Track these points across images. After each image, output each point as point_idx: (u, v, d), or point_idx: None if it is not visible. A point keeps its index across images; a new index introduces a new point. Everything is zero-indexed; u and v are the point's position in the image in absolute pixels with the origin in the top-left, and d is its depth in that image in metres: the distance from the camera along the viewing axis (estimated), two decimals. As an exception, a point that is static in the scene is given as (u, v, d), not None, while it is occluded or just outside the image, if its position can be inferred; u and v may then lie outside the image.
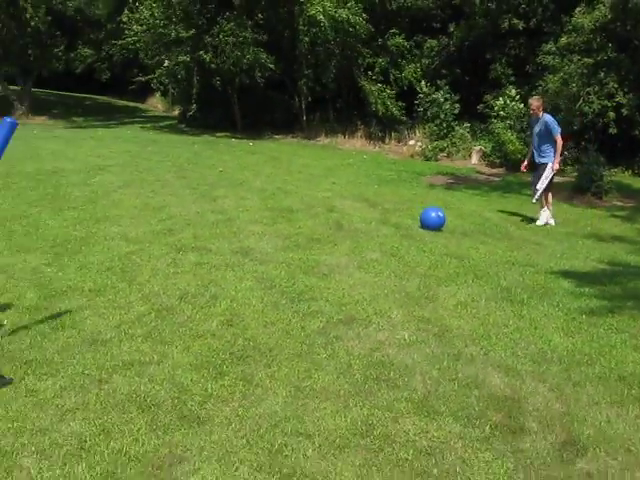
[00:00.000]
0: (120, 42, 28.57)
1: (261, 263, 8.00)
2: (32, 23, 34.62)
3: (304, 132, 25.66)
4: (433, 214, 10.15)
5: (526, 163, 11.86)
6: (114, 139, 22.41)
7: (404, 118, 23.39)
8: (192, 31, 25.03)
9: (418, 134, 22.51)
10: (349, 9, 22.98)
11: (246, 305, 6.65)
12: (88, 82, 49.03)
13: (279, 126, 26.34)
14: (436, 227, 10.04)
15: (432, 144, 21.20)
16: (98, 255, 8.19)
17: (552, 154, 11.33)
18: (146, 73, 28.79)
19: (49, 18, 35.73)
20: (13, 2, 34.83)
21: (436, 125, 21.48)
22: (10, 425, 4.49)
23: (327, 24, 22.74)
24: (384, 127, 23.56)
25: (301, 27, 23.60)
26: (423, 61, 23.85)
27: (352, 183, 14.11)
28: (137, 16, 26.48)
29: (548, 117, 11.43)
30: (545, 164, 11.38)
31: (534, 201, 11.46)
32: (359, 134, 23.67)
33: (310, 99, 25.38)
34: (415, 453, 4.21)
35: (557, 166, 11.49)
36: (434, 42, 23.88)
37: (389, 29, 23.78)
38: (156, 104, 43.51)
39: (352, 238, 9.26)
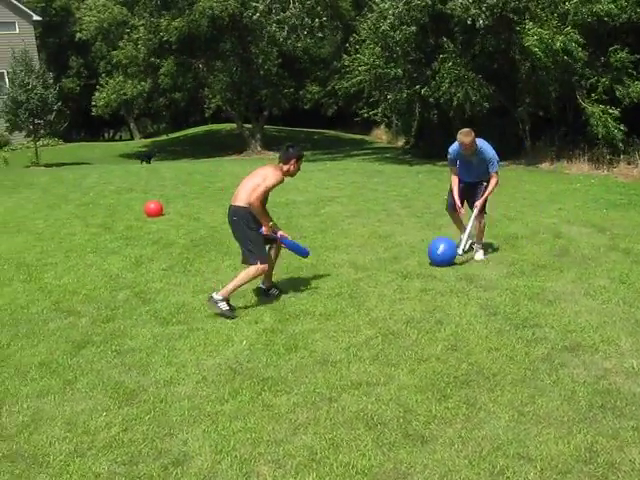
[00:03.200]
0: (346, 84, 29.71)
1: (485, 290, 8.05)
2: (265, 67, 36.88)
3: (528, 158, 25.19)
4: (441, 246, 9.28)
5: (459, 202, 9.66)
6: (341, 171, 23.21)
7: (624, 142, 22.15)
8: (410, 67, 25.63)
9: (651, 155, 21.35)
10: (565, 35, 22.34)
11: (470, 331, 6.74)
12: (316, 117, 51.07)
13: (503, 152, 26.05)
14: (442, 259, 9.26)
15: (666, 165, 20.06)
16: (328, 281, 8.63)
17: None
18: (370, 107, 29.62)
19: (279, 61, 37.92)
20: (244, 49, 37.25)
21: (670, 144, 20.27)
22: (249, 436, 4.89)
23: (542, 55, 22.26)
24: (612, 150, 22.57)
25: (517, 57, 23.36)
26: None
27: (579, 208, 13.72)
28: (359, 56, 27.52)
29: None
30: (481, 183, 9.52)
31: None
32: (586, 158, 22.80)
33: (534, 124, 24.94)
34: (642, 482, 4.12)
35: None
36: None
37: (611, 45, 22.79)
38: (381, 136, 44.47)
39: (579, 264, 9.05)
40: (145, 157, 35.17)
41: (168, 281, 9.11)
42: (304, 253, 8.55)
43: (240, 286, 7.73)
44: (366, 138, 45.63)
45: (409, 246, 10.35)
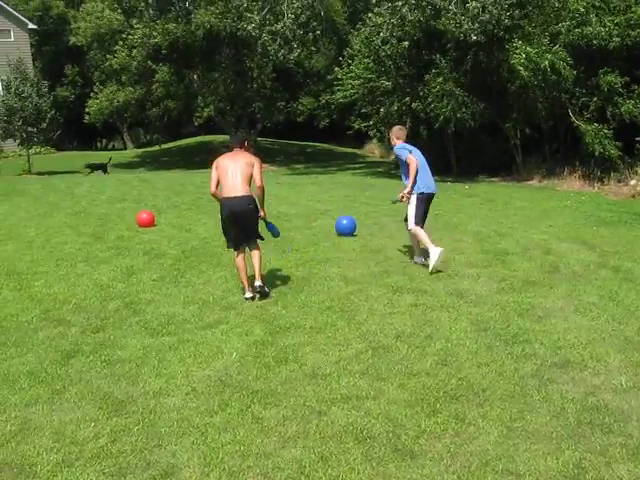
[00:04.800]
0: (338, 97, 29.87)
1: (476, 305, 8.07)
2: (259, 81, 36.89)
3: (520, 174, 25.29)
4: (344, 221, 12.51)
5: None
6: (334, 184, 23.24)
7: (620, 160, 22.30)
8: (402, 81, 25.80)
9: (640, 173, 21.47)
10: (554, 53, 22.43)
11: (460, 346, 6.75)
12: (309, 129, 51.17)
13: (494, 168, 26.15)
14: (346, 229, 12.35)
15: (655, 183, 20.15)
16: (319, 295, 8.63)
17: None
18: (363, 120, 29.74)
19: (274, 75, 37.99)
20: (239, 61, 37.26)
21: (659, 163, 20.38)
22: (237, 448, 4.88)
23: (527, 73, 22.37)
24: (603, 167, 22.67)
25: (505, 74, 23.49)
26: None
27: (569, 225, 13.79)
28: (352, 68, 27.71)
29: (396, 147, 10.11)
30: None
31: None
32: (577, 175, 22.93)
33: (525, 141, 25.06)
34: (630, 499, 4.12)
35: (403, 195, 9.86)
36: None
37: (602, 67, 22.87)
38: (373, 150, 44.49)
39: (569, 281, 9.08)
40: (96, 167, 31.75)
41: (159, 292, 9.09)
42: (277, 233, 9.47)
43: None
44: (358, 152, 45.69)
45: (400, 260, 10.36)
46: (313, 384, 5.92)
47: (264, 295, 8.50)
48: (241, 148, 8.81)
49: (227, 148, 9.16)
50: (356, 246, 11.44)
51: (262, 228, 9.00)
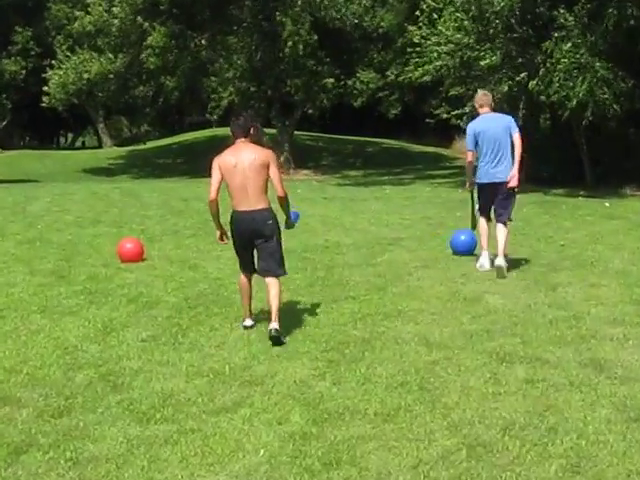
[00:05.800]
0: (415, 73, 29.53)
1: (623, 383, 7.97)
2: (289, 43, 36.23)
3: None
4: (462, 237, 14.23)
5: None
6: (407, 200, 23.26)
7: None
8: (513, 48, 25.58)
9: None
10: None
11: (600, 444, 6.65)
12: (370, 119, 51.15)
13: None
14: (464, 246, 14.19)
15: None
16: (387, 365, 8.59)
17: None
18: (452, 106, 29.57)
19: (314, 38, 37.39)
20: (268, 17, 36.85)
21: None
22: None
23: None
24: None
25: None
26: None
27: None
28: (438, 28, 27.45)
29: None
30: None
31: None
32: None
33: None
34: None
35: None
36: None
37: None
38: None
39: None
40: None
41: (150, 358, 9.13)
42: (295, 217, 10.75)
43: None
44: (444, 152, 45.63)
45: (508, 314, 10.31)
46: (379, 498, 5.89)
47: (278, 344, 9.27)
48: (246, 138, 9.62)
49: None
50: (442, 292, 11.41)
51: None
